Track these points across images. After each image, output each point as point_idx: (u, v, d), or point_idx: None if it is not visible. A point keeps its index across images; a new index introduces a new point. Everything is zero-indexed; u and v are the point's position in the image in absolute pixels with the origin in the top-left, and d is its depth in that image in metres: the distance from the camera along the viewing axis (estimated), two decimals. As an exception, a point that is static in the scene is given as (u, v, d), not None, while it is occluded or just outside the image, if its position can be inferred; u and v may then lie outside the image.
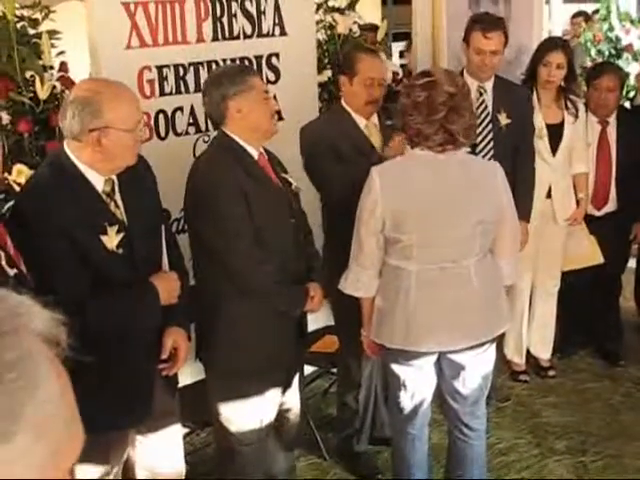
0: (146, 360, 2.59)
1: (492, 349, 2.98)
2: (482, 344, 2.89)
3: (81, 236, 2.37)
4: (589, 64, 6.12)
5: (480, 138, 3.81)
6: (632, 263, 4.92)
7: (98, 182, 2.47)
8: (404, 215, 2.71)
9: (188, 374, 3.26)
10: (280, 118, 3.80)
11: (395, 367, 2.95)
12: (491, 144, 3.88)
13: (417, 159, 2.78)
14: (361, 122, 3.43)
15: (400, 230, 2.72)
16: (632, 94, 5.42)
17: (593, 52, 6.31)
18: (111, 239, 2.42)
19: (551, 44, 4.23)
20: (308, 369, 4.05)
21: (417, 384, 2.97)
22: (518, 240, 3.07)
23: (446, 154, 2.73)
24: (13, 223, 2.32)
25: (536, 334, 4.58)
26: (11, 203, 2.88)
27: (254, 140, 2.86)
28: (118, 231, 2.44)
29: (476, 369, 2.95)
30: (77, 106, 2.36)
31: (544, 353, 4.62)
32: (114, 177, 2.51)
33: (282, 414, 3.13)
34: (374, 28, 4.84)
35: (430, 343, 2.85)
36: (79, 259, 2.36)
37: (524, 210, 3.94)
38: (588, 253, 4.39)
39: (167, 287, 2.57)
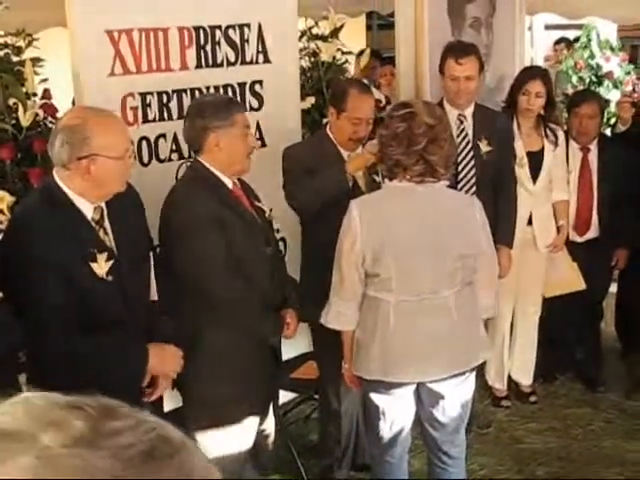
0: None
1: (472, 378, 2.99)
2: (462, 373, 2.90)
3: (71, 263, 2.38)
4: (570, 91, 6.20)
5: (461, 166, 3.85)
6: (613, 288, 4.95)
7: (88, 210, 2.48)
8: (384, 249, 2.73)
9: (168, 400, 3.26)
10: (263, 145, 3.84)
11: (374, 396, 2.95)
12: (473, 171, 3.91)
13: (396, 191, 2.80)
14: (345, 153, 3.43)
15: (379, 264, 2.74)
16: (613, 121, 5.48)
17: (574, 79, 6.40)
18: (100, 266, 2.43)
19: (530, 73, 4.29)
20: (290, 395, 4.06)
21: (396, 413, 2.97)
22: (496, 273, 3.09)
23: (425, 186, 2.75)
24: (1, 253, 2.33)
25: (517, 360, 4.60)
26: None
27: (227, 173, 2.89)
28: (107, 258, 2.45)
29: (456, 398, 2.96)
30: (65, 134, 2.38)
31: (525, 379, 4.63)
32: (103, 204, 2.52)
33: (259, 439, 3.12)
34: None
35: (408, 374, 2.85)
36: (68, 289, 2.37)
37: (507, 237, 3.98)
38: (570, 279, 4.42)
39: (162, 358, 2.58)
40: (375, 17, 8.33)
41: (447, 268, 2.77)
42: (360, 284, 2.82)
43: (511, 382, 4.63)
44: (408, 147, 2.69)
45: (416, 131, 2.68)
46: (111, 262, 2.45)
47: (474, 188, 3.90)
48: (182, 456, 0.67)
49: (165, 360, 2.62)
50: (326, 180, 3.22)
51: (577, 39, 7.06)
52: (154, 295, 2.68)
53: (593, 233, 4.52)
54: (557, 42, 8.05)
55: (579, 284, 4.39)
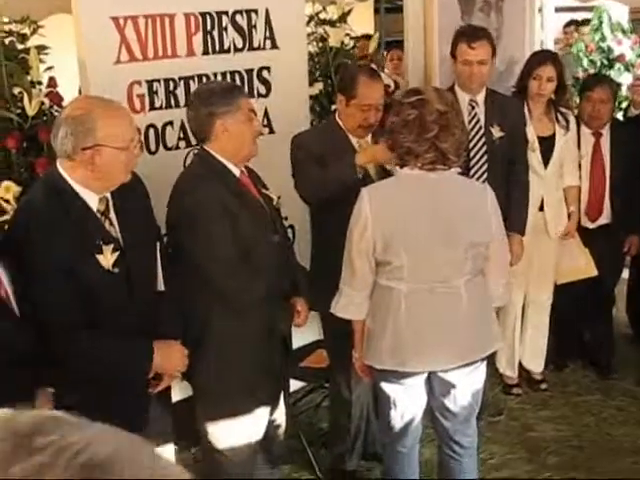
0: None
1: (483, 367, 2.96)
2: (473, 362, 2.87)
3: (77, 256, 2.35)
4: (581, 74, 6.13)
5: (473, 152, 3.80)
6: (625, 274, 4.91)
7: (92, 201, 2.46)
8: (395, 237, 2.69)
9: (178, 390, 3.24)
10: (271, 131, 3.81)
11: (385, 386, 2.93)
12: (485, 157, 3.87)
13: (407, 179, 2.76)
14: (354, 139, 3.39)
15: (391, 252, 2.70)
16: (624, 105, 5.41)
17: (585, 62, 6.32)
18: (106, 258, 2.41)
19: (541, 57, 4.23)
20: (299, 384, 4.04)
21: (407, 403, 2.95)
22: (508, 262, 3.05)
23: (436, 173, 2.71)
24: (7, 246, 2.30)
25: (528, 347, 4.56)
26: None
27: (235, 160, 2.85)
28: (113, 250, 2.43)
29: (467, 387, 2.93)
30: (70, 125, 2.35)
31: (536, 366, 4.60)
32: (108, 195, 2.49)
33: (270, 430, 3.11)
34: (369, 37, 4.84)
35: (419, 363, 2.83)
36: (74, 283, 2.34)
37: (519, 223, 3.94)
38: (582, 266, 4.38)
39: (167, 356, 2.56)
40: (383, 0, 8.24)
41: (458, 256, 2.73)
42: (371, 273, 2.79)
43: (522, 369, 4.61)
44: (419, 135, 2.65)
45: (428, 118, 2.64)
46: (117, 253, 2.42)
47: (486, 174, 3.86)
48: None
49: (170, 359, 2.60)
50: (335, 172, 3.18)
51: (586, 21, 6.98)
52: (161, 286, 2.65)
53: (605, 219, 4.47)
54: (567, 25, 7.95)
55: (591, 270, 4.36)
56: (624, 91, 5.71)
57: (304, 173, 3.28)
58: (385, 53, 5.97)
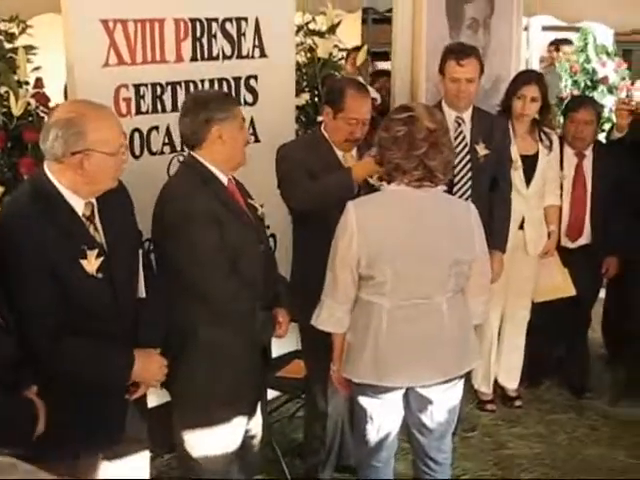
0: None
1: (460, 384, 2.97)
2: (452, 379, 2.88)
3: (61, 260, 2.34)
4: (565, 95, 6.19)
5: (458, 169, 3.82)
6: (601, 294, 4.94)
7: (78, 205, 2.45)
8: (379, 253, 2.70)
9: (154, 396, 3.22)
10: (257, 140, 3.80)
11: (362, 400, 2.92)
12: (469, 174, 3.89)
13: (393, 195, 2.77)
14: (339, 152, 3.39)
15: (374, 267, 2.71)
16: (607, 127, 5.47)
17: (570, 83, 6.39)
18: (91, 263, 2.40)
19: (526, 78, 4.27)
20: (275, 393, 4.03)
21: (384, 417, 2.95)
22: (489, 280, 3.06)
23: (423, 190, 2.72)
24: None
25: (504, 364, 4.58)
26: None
27: (225, 167, 2.85)
28: (98, 255, 2.42)
29: (444, 403, 2.93)
30: (60, 128, 2.34)
31: (511, 383, 4.63)
32: (93, 200, 2.48)
33: (246, 440, 3.09)
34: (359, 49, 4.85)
35: (399, 378, 2.83)
36: (58, 287, 2.33)
37: (501, 241, 3.97)
38: (560, 285, 4.41)
39: (146, 366, 2.56)
40: (370, 12, 8.29)
41: (442, 273, 2.75)
42: (353, 287, 2.79)
43: (497, 386, 4.63)
44: (408, 151, 2.66)
45: (417, 135, 2.65)
46: (101, 259, 2.41)
47: (469, 191, 3.88)
48: None
49: (149, 369, 2.59)
50: (333, 184, 3.17)
51: (566, 40, 7.04)
52: (142, 292, 2.63)
53: (585, 239, 4.50)
54: (551, 43, 8.03)
55: (569, 290, 4.39)
56: (607, 113, 5.77)
57: (295, 184, 3.26)
58: (370, 69, 5.96)
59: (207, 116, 2.76)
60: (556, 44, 7.57)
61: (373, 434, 2.98)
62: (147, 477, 2.90)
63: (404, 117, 2.69)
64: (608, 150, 4.59)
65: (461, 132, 3.91)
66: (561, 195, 4.41)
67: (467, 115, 3.95)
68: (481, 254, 2.88)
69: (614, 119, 5.01)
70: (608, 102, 6.08)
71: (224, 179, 2.86)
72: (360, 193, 3.18)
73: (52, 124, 2.35)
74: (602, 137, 5.12)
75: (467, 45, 4.01)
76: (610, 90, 6.32)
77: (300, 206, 3.32)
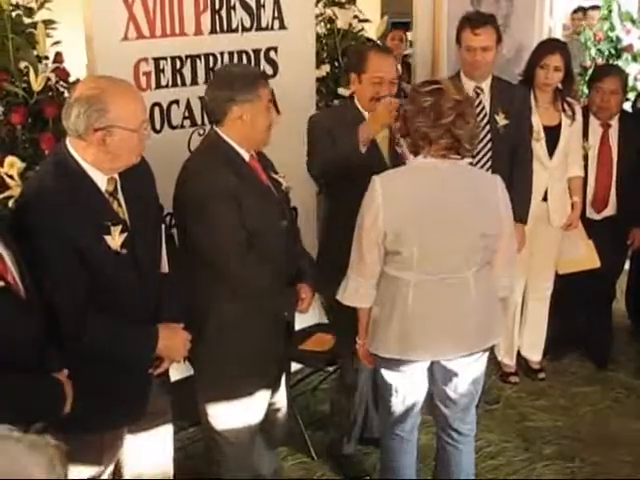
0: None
1: (485, 357, 2.96)
2: (476, 352, 2.88)
3: (85, 236, 2.34)
4: (589, 63, 6.10)
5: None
6: (625, 266, 4.90)
7: (102, 181, 2.44)
8: (405, 228, 2.68)
9: (177, 370, 3.23)
10: (277, 112, 3.78)
11: (387, 373, 2.93)
12: (489, 145, 3.86)
13: (420, 169, 2.75)
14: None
15: (401, 242, 2.69)
16: (632, 95, 5.38)
17: (593, 51, 6.29)
18: (115, 239, 2.40)
19: (549, 47, 4.19)
20: (298, 366, 4.04)
21: (409, 390, 2.95)
22: (516, 254, 3.04)
23: (449, 162, 2.70)
24: (15, 226, 2.28)
25: (527, 336, 4.57)
26: (2, 196, 2.86)
27: (247, 145, 2.83)
28: (121, 231, 2.41)
29: (468, 376, 2.93)
30: (82, 104, 2.32)
31: (535, 355, 4.61)
32: (116, 176, 2.48)
33: (270, 413, 3.11)
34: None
35: (425, 353, 2.83)
36: (82, 263, 2.33)
37: (522, 212, 3.93)
38: (585, 257, 4.37)
39: (171, 342, 2.57)
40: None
41: (468, 247, 2.72)
42: (379, 262, 2.77)
43: (520, 358, 4.61)
44: (436, 120, 2.63)
45: (445, 105, 2.63)
46: (125, 235, 2.41)
47: (490, 162, 3.85)
48: None
49: (174, 344, 2.59)
50: (339, 146, 3.16)
51: (595, 7, 6.93)
52: (165, 267, 2.64)
53: (611, 211, 4.45)
54: (575, 11, 7.90)
55: (594, 262, 4.35)
56: (631, 82, 5.68)
57: (316, 152, 3.27)
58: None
59: (230, 95, 2.73)
60: (582, 11, 7.46)
61: (398, 405, 2.99)
62: (171, 450, 2.93)
63: (431, 89, 2.66)
64: (634, 120, 4.52)
65: (480, 102, 3.85)
66: (586, 166, 4.36)
67: (486, 85, 3.90)
68: (508, 228, 2.85)
69: (639, 88, 4.93)
70: (633, 70, 5.98)
71: (245, 155, 2.84)
72: (377, 156, 3.16)
73: (74, 101, 2.34)
74: (627, 106, 5.04)
75: (483, 13, 3.96)
76: (635, 58, 6.22)
77: (313, 171, 3.32)
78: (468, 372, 2.92)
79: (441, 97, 2.64)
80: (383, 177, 2.75)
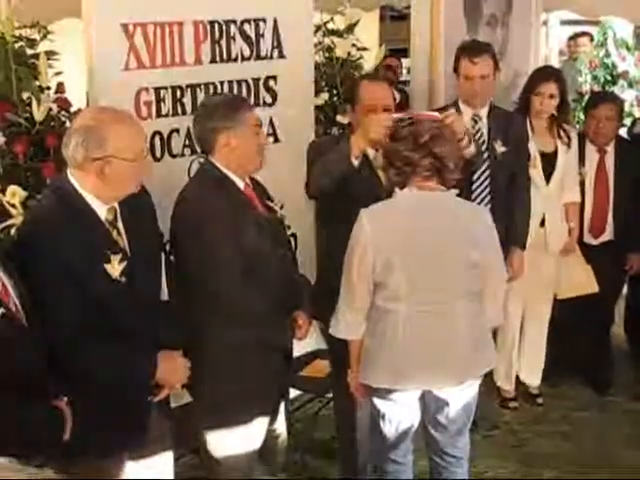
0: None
1: (477, 384, 2.98)
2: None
3: (85, 265, 2.37)
4: (585, 90, 6.16)
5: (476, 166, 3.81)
6: (623, 290, 4.92)
7: (101, 210, 2.48)
8: (394, 260, 2.71)
9: (175, 397, 3.24)
10: (276, 140, 3.82)
11: (379, 402, 2.95)
12: (487, 172, 3.89)
13: (406, 201, 2.79)
14: (371, 152, 3.26)
15: (390, 274, 2.72)
16: (628, 121, 5.43)
17: (589, 78, 6.35)
18: (114, 267, 2.43)
19: (544, 74, 4.25)
20: (297, 392, 4.04)
21: (400, 417, 2.98)
22: (504, 284, 3.04)
23: (435, 194, 2.75)
24: (16, 254, 2.31)
25: (526, 361, 4.58)
26: (4, 224, 2.89)
27: (239, 172, 2.87)
28: (121, 259, 2.44)
29: (459, 403, 2.95)
30: (81, 135, 2.37)
31: (534, 380, 4.62)
32: (116, 205, 2.51)
33: (269, 440, 3.11)
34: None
35: (415, 383, 2.85)
36: (81, 291, 2.35)
37: (520, 238, 3.98)
38: (583, 282, 4.39)
39: (170, 368, 2.59)
40: (388, 9, 8.27)
41: (456, 278, 2.76)
42: (369, 294, 2.81)
43: (519, 383, 4.62)
44: (415, 142, 2.71)
45: (421, 129, 2.72)
46: (124, 263, 2.44)
47: (488, 189, 3.88)
48: None
49: (173, 371, 2.62)
50: (329, 158, 3.15)
51: (583, 33, 7.00)
52: (164, 295, 2.66)
53: (608, 236, 4.49)
54: (571, 38, 7.98)
55: (592, 287, 4.37)
56: (627, 108, 5.73)
57: (310, 170, 3.28)
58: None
59: (213, 125, 2.79)
60: (575, 37, 7.53)
61: (391, 432, 3.01)
62: (171, 477, 2.93)
63: (407, 122, 2.77)
64: (630, 145, 4.56)
65: (478, 129, 3.90)
66: (583, 192, 4.39)
67: (484, 112, 3.95)
68: (495, 259, 2.88)
69: (635, 114, 4.98)
70: (628, 96, 6.04)
71: (240, 183, 2.88)
72: (367, 171, 3.20)
73: (73, 131, 2.39)
74: (623, 132, 5.08)
75: (480, 42, 4.02)
76: (630, 84, 6.28)
77: (312, 192, 3.32)
78: (459, 399, 2.94)
79: (418, 125, 2.73)
80: (370, 210, 2.79)
